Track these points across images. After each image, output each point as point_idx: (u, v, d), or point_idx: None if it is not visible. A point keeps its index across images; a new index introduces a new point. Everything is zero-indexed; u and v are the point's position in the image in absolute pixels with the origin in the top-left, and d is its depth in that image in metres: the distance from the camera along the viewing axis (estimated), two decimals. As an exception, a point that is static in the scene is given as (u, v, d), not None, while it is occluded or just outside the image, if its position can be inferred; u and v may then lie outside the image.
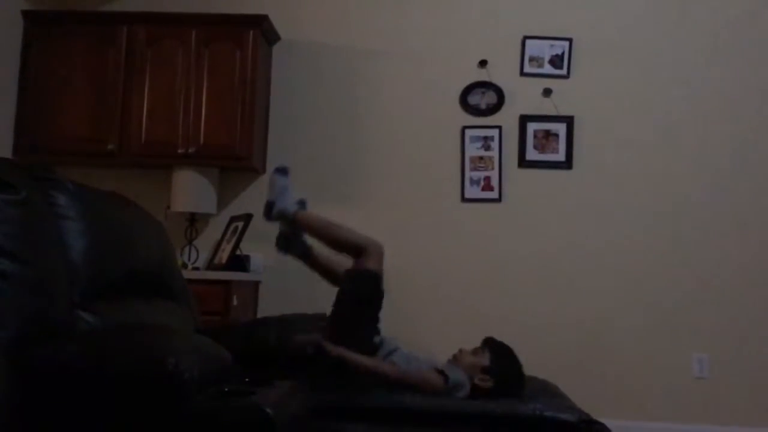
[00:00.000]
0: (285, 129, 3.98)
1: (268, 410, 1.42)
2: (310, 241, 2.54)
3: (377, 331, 2.25)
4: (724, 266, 3.73)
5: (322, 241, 2.45)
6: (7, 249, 1.39)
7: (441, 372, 2.13)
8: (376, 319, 2.26)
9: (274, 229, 3.89)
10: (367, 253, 2.26)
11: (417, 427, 1.95)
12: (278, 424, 1.39)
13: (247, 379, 1.75)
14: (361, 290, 2.22)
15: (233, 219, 3.80)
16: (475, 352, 2.26)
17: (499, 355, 2.25)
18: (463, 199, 3.88)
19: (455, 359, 2.26)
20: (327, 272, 2.54)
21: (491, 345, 2.29)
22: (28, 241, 1.47)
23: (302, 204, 2.49)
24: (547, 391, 2.42)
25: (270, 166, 3.96)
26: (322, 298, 3.49)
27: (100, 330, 1.62)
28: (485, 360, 2.22)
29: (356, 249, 2.30)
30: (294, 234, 2.49)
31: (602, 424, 1.93)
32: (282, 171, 2.51)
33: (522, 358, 3.65)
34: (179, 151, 3.67)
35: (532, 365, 3.28)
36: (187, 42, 3.72)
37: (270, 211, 2.47)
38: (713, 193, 3.78)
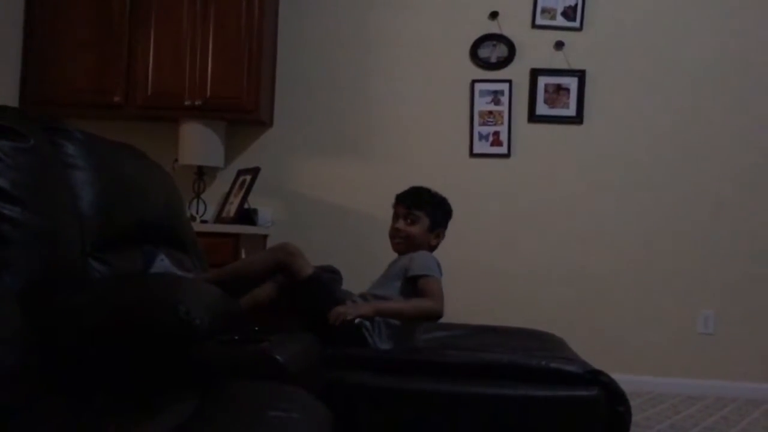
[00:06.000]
0: (292, 81, 3.93)
1: (278, 357, 1.44)
2: None
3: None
4: (734, 223, 3.72)
5: (242, 286, 2.19)
6: (17, 196, 1.39)
7: (428, 275, 2.16)
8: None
9: (282, 182, 3.90)
10: (291, 263, 2.10)
11: (423, 377, 1.97)
12: (289, 371, 1.41)
13: (257, 328, 1.77)
14: (319, 299, 2.11)
15: (241, 172, 3.79)
16: (410, 222, 2.27)
17: (428, 206, 2.29)
18: (472, 155, 3.85)
19: (408, 242, 2.26)
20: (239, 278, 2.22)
21: (410, 202, 2.28)
22: (38, 189, 1.47)
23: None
24: (554, 344, 2.44)
25: (277, 119, 3.94)
26: (329, 251, 3.51)
27: (112, 278, 1.64)
28: (425, 219, 2.27)
29: (277, 268, 2.13)
30: None
31: (608, 375, 1.95)
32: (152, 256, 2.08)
33: (530, 312, 3.71)
34: (186, 103, 3.63)
35: (538, 319, 3.33)
36: (192, -9, 3.65)
37: None
38: (726, 149, 3.74)
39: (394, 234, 2.32)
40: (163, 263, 2.00)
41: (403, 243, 2.30)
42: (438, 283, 2.15)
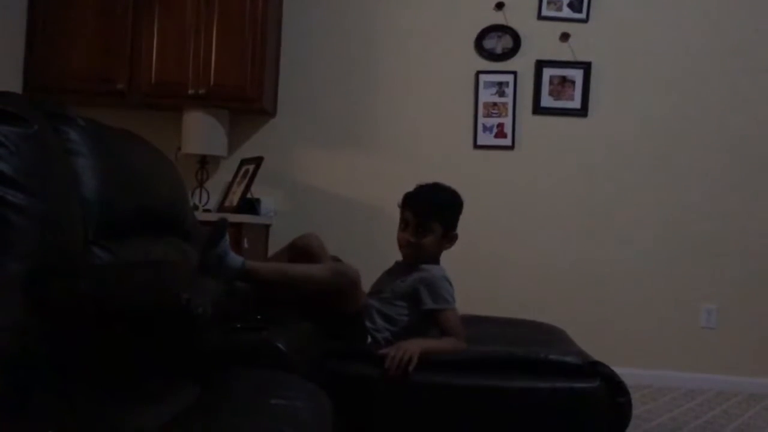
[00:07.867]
0: (296, 70, 3.92)
1: (280, 345, 1.45)
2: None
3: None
4: (738, 218, 3.71)
5: (290, 288, 2.04)
6: (20, 182, 1.38)
7: (446, 307, 2.07)
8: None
9: (285, 172, 3.90)
10: (350, 294, 1.97)
11: (421, 369, 1.97)
12: (291, 359, 1.41)
13: (258, 317, 1.78)
14: (352, 332, 2.02)
15: (244, 161, 3.79)
16: (420, 233, 2.08)
17: (440, 214, 2.09)
18: (476, 146, 3.84)
19: (419, 252, 2.09)
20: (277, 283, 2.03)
21: (421, 210, 2.07)
22: (41, 175, 1.46)
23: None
24: (554, 335, 2.44)
25: (281, 109, 3.93)
26: (331, 241, 3.49)
27: (115, 265, 1.64)
28: (437, 228, 2.08)
29: (332, 290, 1.97)
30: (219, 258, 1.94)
31: (607, 366, 1.94)
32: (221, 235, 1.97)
33: (532, 304, 3.70)
34: (189, 91, 3.63)
35: (540, 311, 3.33)
36: (196, -21, 3.64)
37: (213, 265, 1.91)
38: (731, 143, 3.73)
39: (404, 244, 2.13)
40: (225, 243, 1.94)
41: (412, 254, 2.13)
42: (457, 315, 2.07)
